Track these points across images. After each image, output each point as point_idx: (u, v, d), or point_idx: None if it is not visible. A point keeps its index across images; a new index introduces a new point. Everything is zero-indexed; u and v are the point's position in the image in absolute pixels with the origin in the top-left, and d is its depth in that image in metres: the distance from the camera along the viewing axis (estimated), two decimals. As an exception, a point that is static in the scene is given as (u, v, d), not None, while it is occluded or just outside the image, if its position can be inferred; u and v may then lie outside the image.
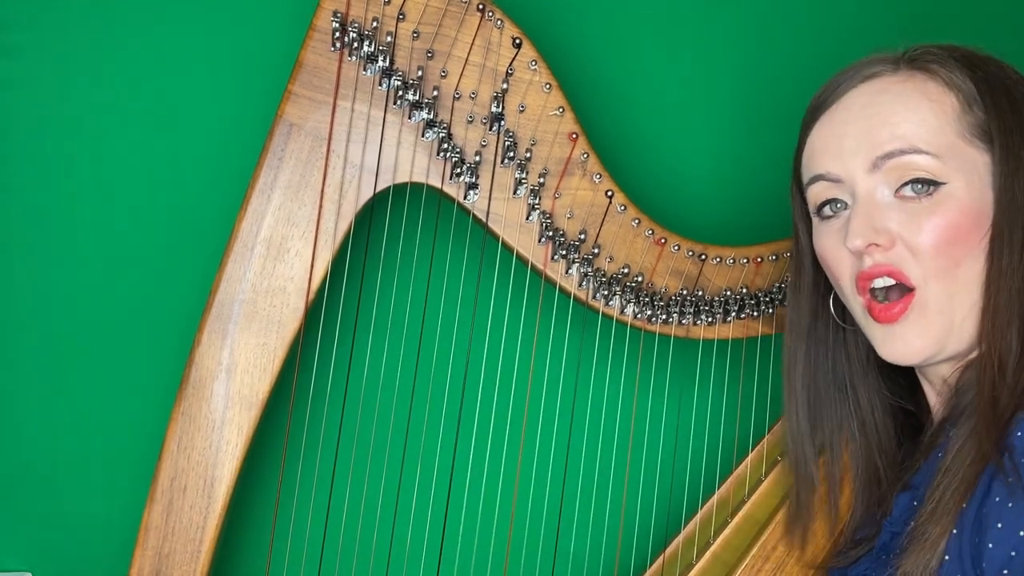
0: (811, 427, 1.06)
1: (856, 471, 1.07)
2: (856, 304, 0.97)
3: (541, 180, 1.08)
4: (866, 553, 1.02)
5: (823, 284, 1.04)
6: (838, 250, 0.96)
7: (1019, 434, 0.84)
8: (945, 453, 0.91)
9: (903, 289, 0.93)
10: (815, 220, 1.00)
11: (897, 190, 0.92)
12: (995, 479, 0.84)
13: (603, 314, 1.12)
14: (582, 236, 1.10)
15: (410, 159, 1.06)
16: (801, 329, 1.06)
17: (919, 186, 0.91)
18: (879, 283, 0.94)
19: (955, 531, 0.86)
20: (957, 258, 0.91)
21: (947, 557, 0.86)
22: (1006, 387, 0.88)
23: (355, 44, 1.03)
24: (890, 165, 0.92)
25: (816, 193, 0.98)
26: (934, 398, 1.01)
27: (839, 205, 0.96)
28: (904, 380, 1.07)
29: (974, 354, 0.93)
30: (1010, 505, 0.82)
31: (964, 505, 0.86)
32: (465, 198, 1.07)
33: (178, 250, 1.19)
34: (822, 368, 1.06)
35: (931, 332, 0.93)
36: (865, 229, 0.92)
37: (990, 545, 0.83)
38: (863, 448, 1.07)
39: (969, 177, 0.91)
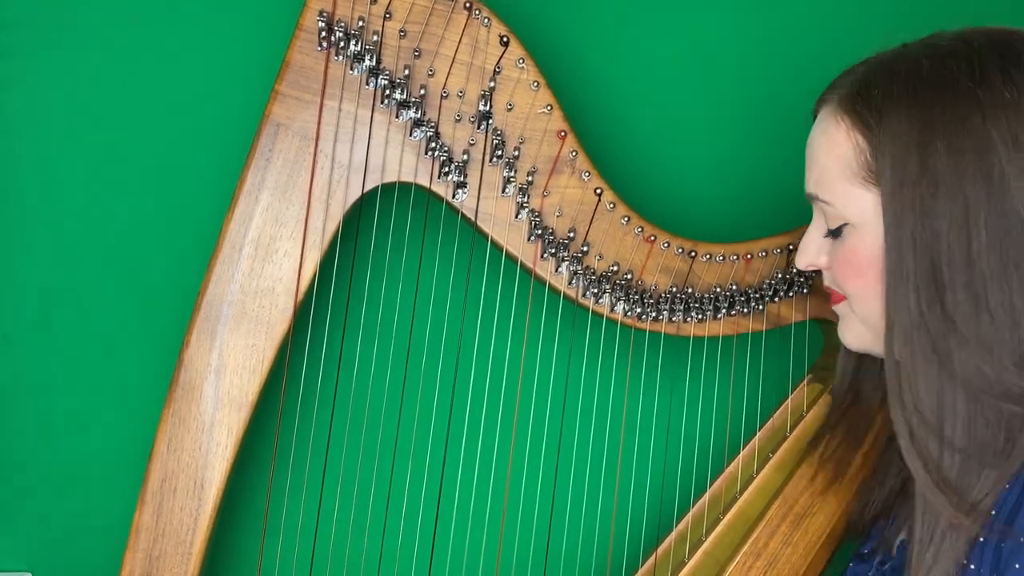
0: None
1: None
2: None
3: (530, 178, 1.08)
4: (883, 557, 1.02)
5: None
6: None
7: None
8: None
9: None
10: None
11: None
12: (1020, 513, 0.84)
13: (593, 312, 1.12)
14: (571, 234, 1.10)
15: (398, 158, 1.06)
16: None
17: (831, 228, 0.97)
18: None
19: (972, 566, 0.86)
20: (866, 293, 0.94)
21: None
22: (944, 446, 0.87)
23: (342, 43, 1.03)
24: (815, 204, 0.99)
25: None
26: None
27: None
28: None
29: None
30: None
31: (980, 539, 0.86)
32: (453, 197, 1.07)
33: (166, 251, 1.19)
34: None
35: (856, 332, 0.99)
36: (805, 253, 1.00)
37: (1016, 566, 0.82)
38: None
39: (869, 220, 0.92)
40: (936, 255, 0.86)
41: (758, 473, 1.16)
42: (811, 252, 1.00)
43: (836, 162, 0.94)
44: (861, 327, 0.97)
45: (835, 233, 0.96)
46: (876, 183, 0.91)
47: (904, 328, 0.88)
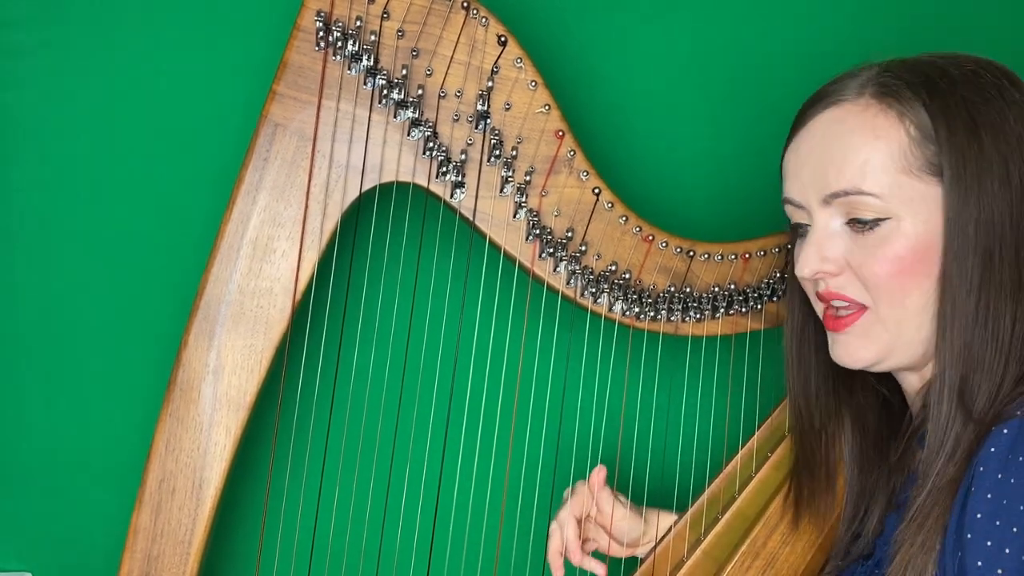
0: (810, 413, 1.09)
1: (848, 458, 1.08)
2: (819, 309, 1.02)
3: (528, 178, 1.08)
4: (860, 564, 1.02)
5: None
6: None
7: (991, 449, 0.86)
8: (918, 478, 0.93)
9: (857, 304, 0.97)
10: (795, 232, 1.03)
11: (847, 221, 0.95)
12: (970, 496, 0.85)
13: (591, 312, 1.12)
14: (569, 234, 1.10)
15: (396, 158, 1.06)
16: (794, 324, 1.09)
17: (864, 222, 0.94)
18: (836, 303, 0.98)
19: (938, 547, 0.88)
20: (905, 288, 0.93)
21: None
22: (966, 415, 0.90)
23: (339, 43, 1.03)
24: (839, 202, 0.95)
25: (788, 212, 1.01)
26: (909, 405, 1.03)
27: (807, 227, 0.99)
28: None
29: (930, 369, 0.96)
30: (997, 523, 0.83)
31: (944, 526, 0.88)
32: (451, 197, 1.07)
33: (164, 251, 1.19)
34: (815, 358, 1.08)
35: (874, 345, 0.96)
36: (813, 259, 0.97)
37: (979, 563, 0.84)
38: (855, 437, 1.08)
39: (916, 211, 0.92)
40: (992, 239, 0.90)
41: (756, 473, 1.16)
42: (817, 258, 0.97)
43: (882, 154, 0.92)
44: (884, 334, 0.95)
45: (870, 225, 0.93)
46: (932, 172, 0.92)
47: (963, 313, 0.90)
